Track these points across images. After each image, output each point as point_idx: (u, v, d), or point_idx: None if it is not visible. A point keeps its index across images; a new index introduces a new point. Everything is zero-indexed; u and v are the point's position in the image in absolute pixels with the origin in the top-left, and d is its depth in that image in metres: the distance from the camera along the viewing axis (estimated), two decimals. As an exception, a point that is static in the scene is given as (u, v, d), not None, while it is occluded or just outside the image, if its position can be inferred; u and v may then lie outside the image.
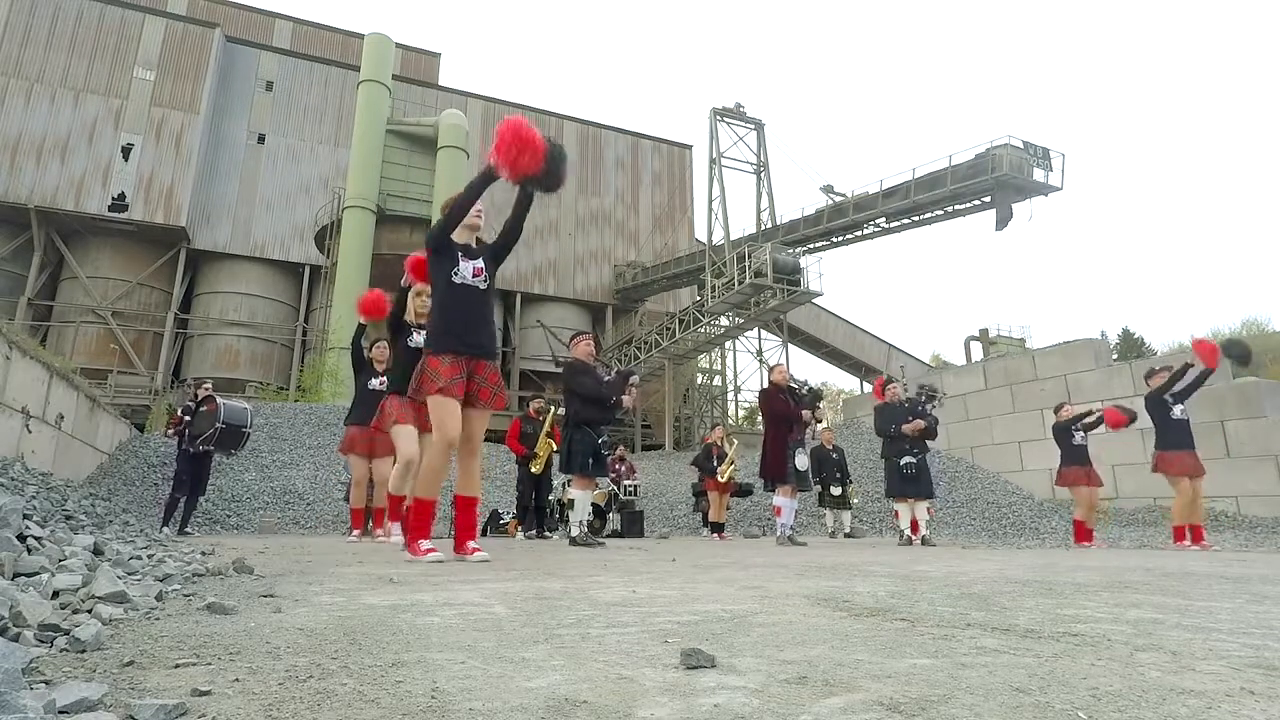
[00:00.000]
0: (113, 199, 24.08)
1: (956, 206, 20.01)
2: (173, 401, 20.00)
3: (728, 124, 25.51)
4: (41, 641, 1.18)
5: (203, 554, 3.40)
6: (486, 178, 3.36)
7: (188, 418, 7.16)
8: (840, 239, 22.84)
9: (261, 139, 27.40)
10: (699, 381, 31.85)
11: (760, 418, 10.61)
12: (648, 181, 33.02)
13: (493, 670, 1.09)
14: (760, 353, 29.00)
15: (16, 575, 1.60)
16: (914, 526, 6.96)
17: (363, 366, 6.25)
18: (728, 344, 29.01)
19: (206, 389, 7.44)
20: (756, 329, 26.88)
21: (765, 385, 7.21)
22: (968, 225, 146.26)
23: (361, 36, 27.88)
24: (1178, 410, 6.59)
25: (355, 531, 6.38)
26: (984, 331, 29.30)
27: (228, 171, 26.63)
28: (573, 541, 5.63)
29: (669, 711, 0.88)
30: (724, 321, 23.50)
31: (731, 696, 0.94)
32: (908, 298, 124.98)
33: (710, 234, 24.77)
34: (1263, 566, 3.62)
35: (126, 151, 24.50)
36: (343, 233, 23.31)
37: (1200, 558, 4.62)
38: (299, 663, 1.11)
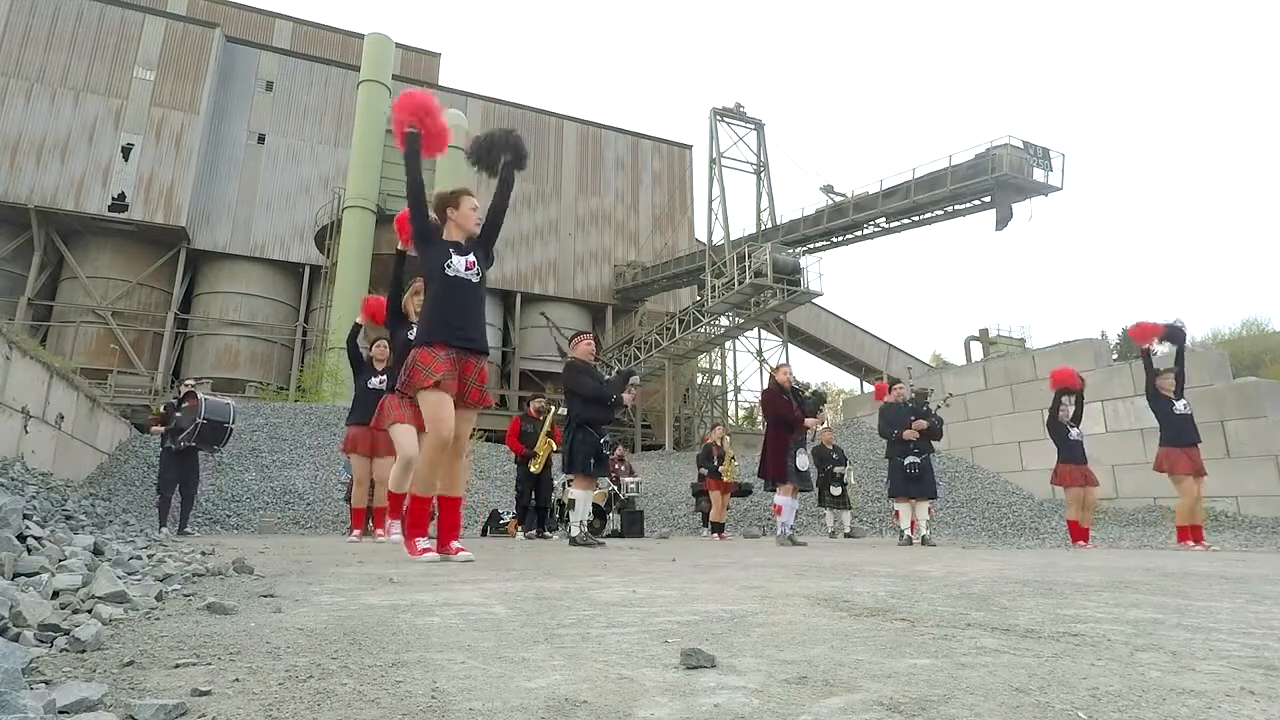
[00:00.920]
0: (113, 199, 24.07)
1: (956, 206, 20.02)
2: (168, 401, 19.98)
3: (728, 124, 25.52)
4: (41, 641, 1.18)
5: (203, 554, 3.40)
6: (410, 150, 3.54)
7: (176, 414, 7.15)
8: (840, 239, 22.85)
9: (261, 139, 27.38)
10: (699, 381, 31.84)
11: (760, 417, 10.60)
12: (648, 181, 33.01)
13: (493, 670, 1.09)
14: (760, 353, 29.00)
15: (16, 575, 1.60)
16: (913, 526, 6.96)
17: (361, 366, 6.24)
18: (728, 344, 29.01)
19: (188, 385, 7.44)
20: (756, 329, 26.89)
21: (768, 385, 7.20)
22: (968, 225, 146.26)
23: (361, 36, 27.82)
24: (1180, 405, 6.52)
25: (355, 531, 6.37)
26: (984, 331, 29.33)
27: (228, 171, 26.62)
28: (573, 541, 5.63)
29: (669, 711, 0.88)
30: (724, 321, 23.50)
31: (731, 696, 0.94)
32: (908, 298, 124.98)
33: (710, 234, 24.79)
34: (1263, 566, 3.62)
35: (126, 151, 24.49)
36: (343, 233, 23.30)
37: (1200, 558, 4.62)
38: (299, 663, 1.11)
